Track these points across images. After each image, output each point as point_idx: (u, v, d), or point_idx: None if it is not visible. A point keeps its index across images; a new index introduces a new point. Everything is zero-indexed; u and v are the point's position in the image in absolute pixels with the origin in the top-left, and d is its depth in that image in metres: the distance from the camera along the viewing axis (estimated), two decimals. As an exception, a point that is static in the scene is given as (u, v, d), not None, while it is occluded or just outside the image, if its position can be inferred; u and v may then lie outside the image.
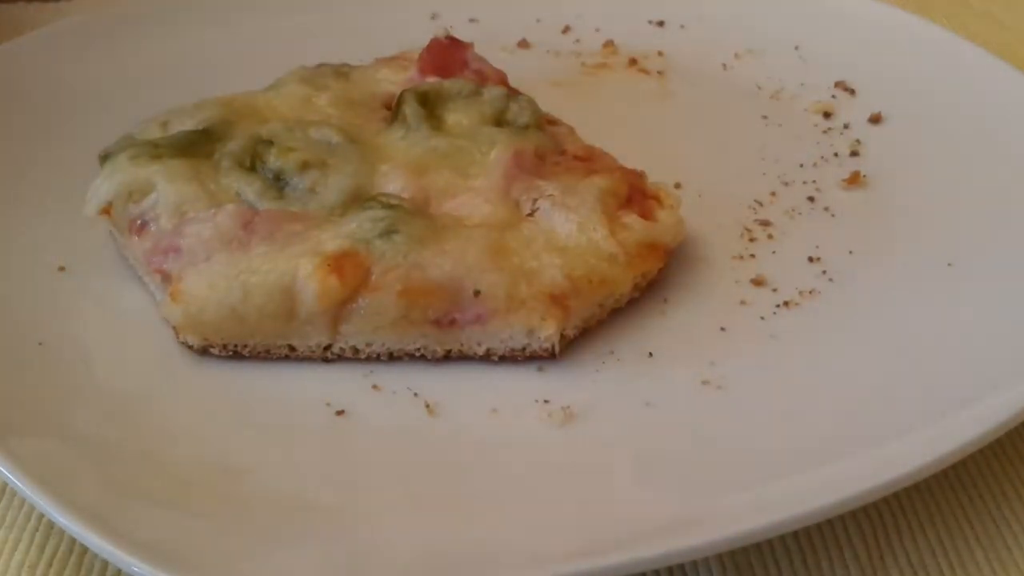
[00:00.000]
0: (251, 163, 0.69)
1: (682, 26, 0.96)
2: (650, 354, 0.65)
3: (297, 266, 0.62)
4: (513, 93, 0.75)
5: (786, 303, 0.69)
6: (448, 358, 0.65)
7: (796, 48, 0.93)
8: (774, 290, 0.70)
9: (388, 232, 0.64)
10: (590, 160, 0.72)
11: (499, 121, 0.73)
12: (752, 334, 0.67)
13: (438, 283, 0.63)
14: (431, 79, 0.76)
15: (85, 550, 0.57)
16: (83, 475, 0.55)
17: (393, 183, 0.68)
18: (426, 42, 0.88)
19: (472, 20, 0.96)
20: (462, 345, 0.64)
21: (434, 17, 0.96)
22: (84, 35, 0.88)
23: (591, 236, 0.66)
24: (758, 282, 0.70)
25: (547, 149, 0.71)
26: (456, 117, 0.73)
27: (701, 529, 0.52)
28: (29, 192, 0.75)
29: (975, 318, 0.66)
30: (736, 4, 0.97)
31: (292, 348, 0.64)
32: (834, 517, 0.56)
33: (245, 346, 0.64)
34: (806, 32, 0.93)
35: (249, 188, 0.67)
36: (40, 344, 0.63)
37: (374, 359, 0.64)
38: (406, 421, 0.61)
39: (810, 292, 0.69)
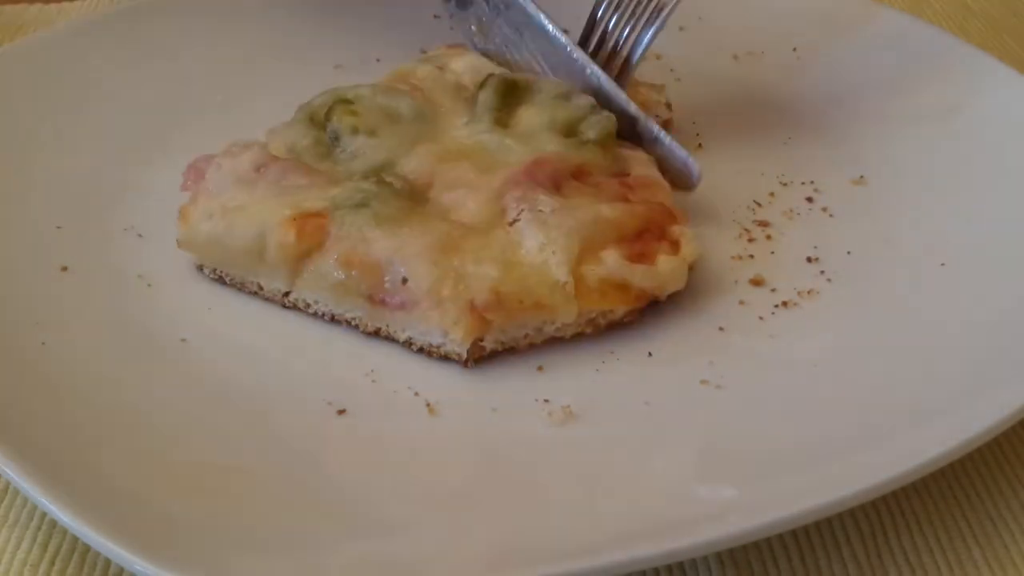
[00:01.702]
0: (325, 118, 0.73)
1: (681, 28, 0.96)
2: (649, 354, 0.65)
3: (275, 215, 0.66)
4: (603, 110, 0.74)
5: (784, 303, 0.69)
6: (378, 335, 0.66)
7: (794, 50, 0.93)
8: (773, 290, 0.70)
9: (360, 205, 0.66)
10: (639, 189, 0.70)
11: (569, 130, 0.73)
12: (751, 334, 0.67)
13: (374, 261, 0.65)
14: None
15: (87, 549, 0.57)
16: (85, 474, 0.55)
17: (413, 163, 0.71)
18: (427, 42, 0.88)
19: (472, 21, 0.96)
20: (388, 327, 0.66)
21: (436, 18, 0.96)
22: (87, 36, 0.88)
23: (547, 258, 0.65)
24: (757, 282, 0.71)
25: (595, 168, 0.71)
26: (529, 115, 0.74)
27: (700, 528, 0.52)
28: (32, 192, 0.75)
29: (973, 318, 0.66)
30: (735, 6, 0.97)
31: (260, 287, 0.69)
32: (832, 516, 0.56)
33: (227, 274, 0.69)
34: (805, 33, 0.93)
35: (302, 141, 0.72)
36: (43, 344, 0.63)
37: (320, 317, 0.67)
38: (406, 421, 0.61)
39: (808, 292, 0.70)
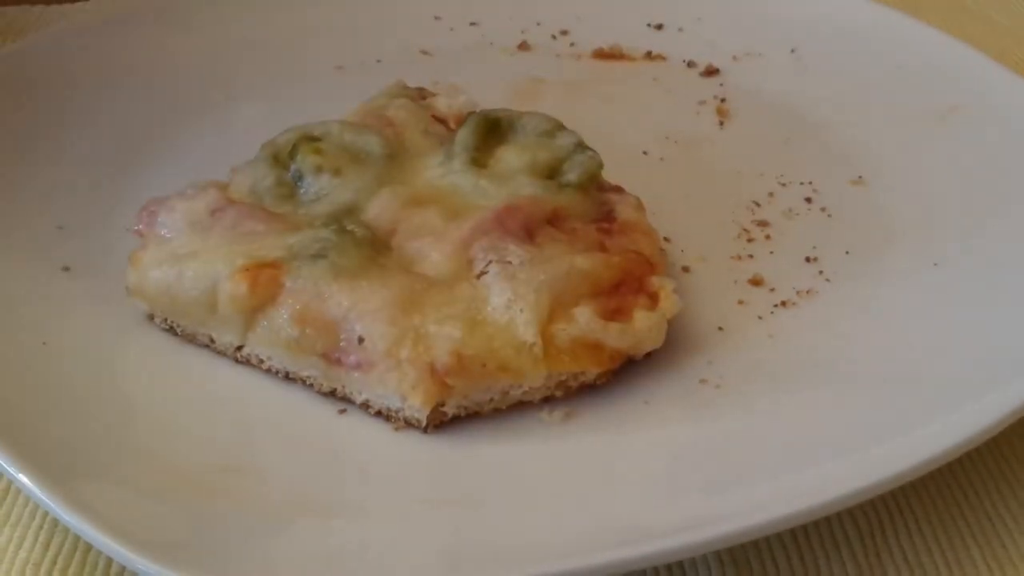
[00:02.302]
0: (290, 156, 0.70)
1: (680, 29, 0.96)
2: (649, 353, 0.65)
3: (228, 264, 0.63)
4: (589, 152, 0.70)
5: (784, 303, 0.69)
6: (334, 396, 0.62)
7: (793, 51, 0.93)
8: (772, 290, 0.70)
9: (317, 256, 0.62)
10: (618, 236, 0.66)
11: (551, 171, 0.69)
12: (750, 334, 0.67)
13: (330, 319, 0.61)
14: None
15: (89, 548, 0.57)
16: (87, 473, 0.55)
17: (377, 208, 0.66)
18: (427, 43, 0.88)
19: (473, 23, 0.96)
20: (345, 388, 0.61)
21: (436, 19, 0.96)
22: (86, 38, 0.88)
23: (514, 316, 0.60)
24: (756, 282, 0.71)
25: (573, 212, 0.67)
26: (509, 155, 0.70)
27: (699, 527, 0.52)
28: (34, 193, 0.75)
29: (972, 318, 0.66)
30: (734, 7, 0.97)
31: (212, 340, 0.65)
32: (831, 515, 0.56)
33: (177, 324, 0.65)
34: (803, 35, 0.93)
35: (263, 181, 0.68)
36: (44, 344, 0.64)
37: (274, 373, 0.64)
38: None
39: (807, 292, 0.70)
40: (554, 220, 0.66)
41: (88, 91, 0.84)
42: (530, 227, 0.65)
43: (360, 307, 0.60)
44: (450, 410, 0.60)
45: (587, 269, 0.63)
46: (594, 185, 0.69)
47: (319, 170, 0.68)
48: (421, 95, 0.77)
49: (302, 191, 0.68)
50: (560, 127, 0.72)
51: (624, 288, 0.64)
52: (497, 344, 0.60)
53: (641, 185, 0.75)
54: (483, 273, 0.62)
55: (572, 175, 0.69)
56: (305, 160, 0.69)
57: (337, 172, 0.68)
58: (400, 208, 0.66)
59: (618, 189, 0.71)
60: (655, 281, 0.64)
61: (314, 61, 0.90)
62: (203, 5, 0.94)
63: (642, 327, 0.62)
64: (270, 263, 0.63)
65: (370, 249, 0.64)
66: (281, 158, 0.70)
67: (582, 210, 0.68)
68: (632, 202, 0.70)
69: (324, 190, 0.68)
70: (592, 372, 0.62)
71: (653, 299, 0.64)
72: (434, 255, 0.64)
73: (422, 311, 0.60)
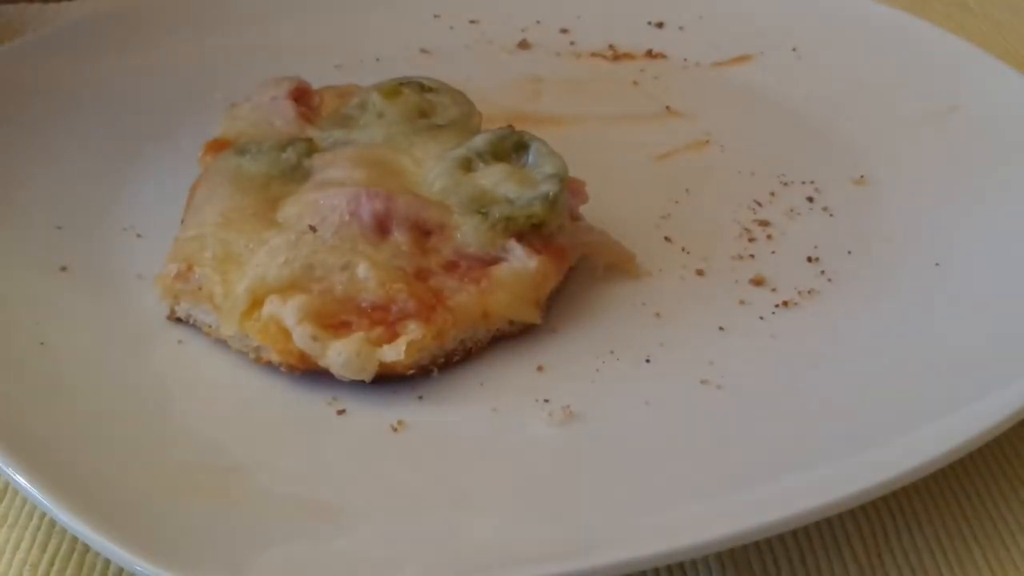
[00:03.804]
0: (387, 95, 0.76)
1: (681, 28, 0.96)
2: (649, 354, 0.65)
3: None
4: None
5: (785, 303, 0.69)
6: None
7: (794, 50, 0.93)
8: (773, 290, 0.70)
9: (240, 151, 0.72)
10: (463, 279, 0.65)
11: (495, 199, 0.67)
12: (751, 334, 0.67)
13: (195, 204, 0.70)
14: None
15: (86, 549, 0.57)
16: (84, 474, 0.55)
17: (336, 154, 0.72)
18: (426, 41, 0.88)
19: (473, 21, 0.96)
20: None
21: (436, 17, 0.96)
22: (85, 36, 0.88)
23: (258, 268, 0.64)
24: (757, 282, 0.70)
25: (464, 239, 0.65)
26: (493, 171, 0.69)
27: (700, 528, 0.52)
28: (30, 192, 0.75)
29: (973, 318, 0.66)
30: (735, 5, 0.97)
31: None
32: (833, 516, 0.56)
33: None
34: (805, 33, 0.93)
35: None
36: (41, 344, 0.63)
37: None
38: (406, 420, 0.61)
39: (809, 292, 0.70)
40: (437, 231, 0.66)
41: (87, 90, 0.84)
42: (386, 222, 0.66)
43: (209, 204, 0.68)
44: (180, 314, 0.66)
45: (361, 278, 0.63)
46: (507, 231, 0.66)
47: (362, 108, 0.75)
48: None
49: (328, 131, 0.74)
50: (557, 176, 0.69)
51: (381, 312, 0.63)
52: (226, 278, 0.64)
53: (642, 184, 0.75)
54: (309, 229, 0.65)
55: (500, 210, 0.66)
56: (370, 99, 0.75)
57: (379, 115, 0.74)
58: (347, 159, 0.70)
59: (559, 251, 0.68)
60: (410, 327, 0.62)
61: (313, 59, 0.90)
62: (202, 3, 0.94)
63: (340, 347, 0.61)
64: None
65: (281, 172, 0.70)
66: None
67: (474, 241, 0.66)
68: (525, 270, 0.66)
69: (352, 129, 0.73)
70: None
71: (390, 335, 0.62)
72: (299, 202, 0.67)
73: (234, 226, 0.66)
